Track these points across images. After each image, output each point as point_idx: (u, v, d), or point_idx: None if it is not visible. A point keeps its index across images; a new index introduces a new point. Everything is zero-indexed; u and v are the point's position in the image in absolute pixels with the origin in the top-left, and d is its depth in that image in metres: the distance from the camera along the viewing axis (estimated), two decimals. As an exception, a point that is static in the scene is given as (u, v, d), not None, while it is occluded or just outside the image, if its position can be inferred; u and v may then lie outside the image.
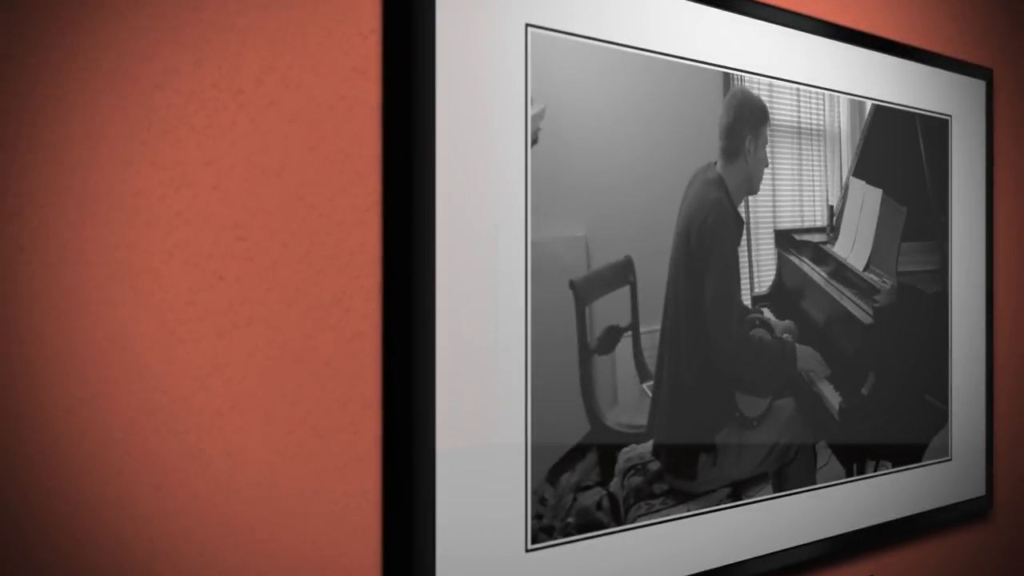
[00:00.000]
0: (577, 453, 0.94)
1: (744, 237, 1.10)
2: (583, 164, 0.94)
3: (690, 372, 1.04)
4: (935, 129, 1.36)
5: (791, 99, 1.15)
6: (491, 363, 0.86)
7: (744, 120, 1.09)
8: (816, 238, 1.19)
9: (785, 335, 1.14)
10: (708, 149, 1.06)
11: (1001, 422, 1.52)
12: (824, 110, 1.19)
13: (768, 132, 1.12)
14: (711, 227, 1.06)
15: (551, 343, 0.91)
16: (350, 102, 0.78)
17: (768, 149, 1.12)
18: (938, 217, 1.36)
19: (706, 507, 1.05)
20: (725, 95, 1.07)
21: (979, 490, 1.44)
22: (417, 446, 0.81)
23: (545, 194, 0.91)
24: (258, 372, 0.73)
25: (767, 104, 1.12)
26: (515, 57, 0.88)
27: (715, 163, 1.06)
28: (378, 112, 0.80)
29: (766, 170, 1.12)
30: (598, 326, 0.96)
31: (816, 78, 1.18)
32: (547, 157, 0.91)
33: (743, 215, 1.09)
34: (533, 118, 0.90)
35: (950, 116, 1.38)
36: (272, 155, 0.74)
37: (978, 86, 1.43)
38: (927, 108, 1.34)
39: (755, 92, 1.11)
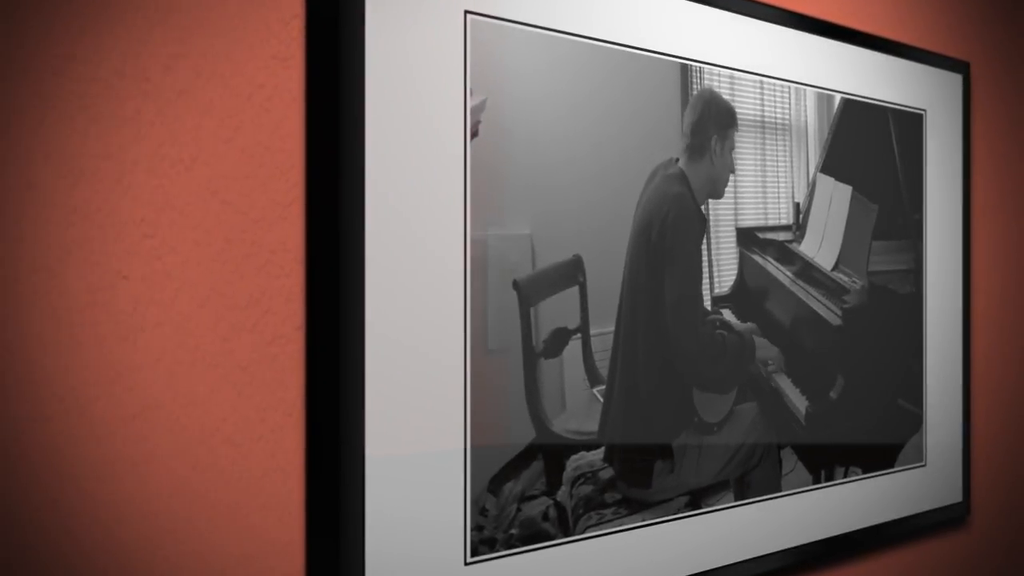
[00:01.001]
0: (521, 461, 0.89)
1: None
2: (528, 158, 0.90)
3: (647, 375, 1.00)
4: (909, 124, 1.31)
5: (754, 92, 1.10)
6: (426, 367, 0.82)
7: (710, 119, 1.05)
8: (781, 236, 1.14)
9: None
10: (666, 144, 1.01)
11: (978, 426, 1.47)
12: (789, 103, 1.15)
13: (736, 137, 1.08)
14: (673, 223, 1.02)
15: (492, 346, 0.87)
16: (269, 91, 0.74)
17: (734, 154, 1.08)
18: (912, 215, 1.32)
19: (662, 517, 1.01)
20: (683, 88, 1.03)
21: (956, 496, 1.39)
22: (345, 455, 0.76)
23: (486, 189, 0.87)
24: (166, 378, 0.69)
25: (730, 99, 1.08)
26: (453, 45, 0.84)
27: (676, 159, 1.02)
28: (301, 102, 0.76)
29: (731, 175, 1.08)
30: (544, 328, 0.91)
31: (781, 70, 1.14)
32: (488, 151, 0.87)
33: (705, 213, 1.05)
34: (473, 110, 0.86)
35: (924, 110, 1.34)
36: (182, 147, 0.70)
37: (954, 80, 1.39)
38: (900, 102, 1.30)
39: (717, 87, 1.06)
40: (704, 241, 1.05)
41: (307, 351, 0.76)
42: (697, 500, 1.04)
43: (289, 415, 0.75)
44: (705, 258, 1.05)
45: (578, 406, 0.94)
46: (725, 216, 1.07)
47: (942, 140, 1.37)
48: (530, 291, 0.90)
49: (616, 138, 0.97)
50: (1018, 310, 1.55)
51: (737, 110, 1.08)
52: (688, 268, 1.03)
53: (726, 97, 1.07)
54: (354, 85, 0.77)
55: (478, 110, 0.86)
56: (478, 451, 0.86)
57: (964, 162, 1.40)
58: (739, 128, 1.09)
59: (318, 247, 0.76)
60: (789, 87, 1.15)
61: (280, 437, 0.74)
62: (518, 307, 0.89)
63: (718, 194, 1.06)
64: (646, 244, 0.99)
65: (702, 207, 1.05)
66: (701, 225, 1.05)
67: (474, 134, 0.86)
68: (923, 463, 1.34)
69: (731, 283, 1.08)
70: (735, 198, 1.08)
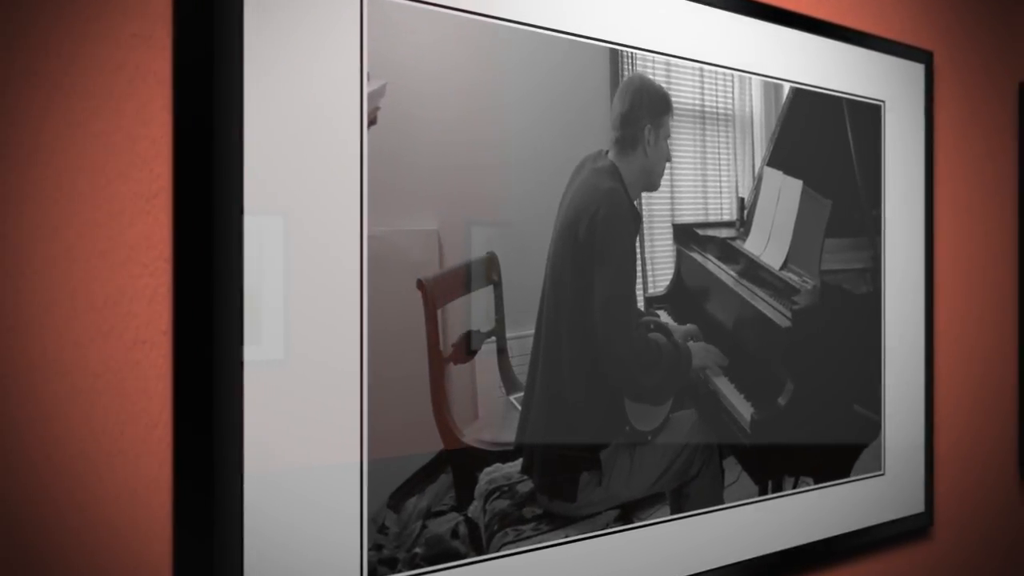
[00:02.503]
0: (427, 474, 0.83)
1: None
2: (435, 148, 0.83)
3: (572, 381, 0.93)
4: (866, 115, 1.25)
5: (693, 80, 1.04)
6: (317, 374, 0.76)
7: (643, 108, 0.99)
8: (724, 233, 1.08)
9: (688, 341, 1.04)
10: (594, 134, 0.95)
11: (942, 432, 1.41)
12: (733, 93, 1.08)
13: (671, 124, 1.01)
14: (604, 220, 0.95)
15: (395, 351, 0.81)
16: (130, 72, 0.68)
17: (670, 143, 1.01)
18: (869, 211, 1.25)
19: (589, 532, 0.94)
20: (613, 75, 0.97)
21: (918, 506, 1.33)
22: (219, 470, 0.70)
23: (387, 182, 0.80)
24: (6, 385, 0.62)
25: (666, 86, 1.01)
26: (347, 25, 0.78)
27: (606, 152, 0.96)
28: (168, 85, 0.69)
29: (667, 164, 1.01)
30: (454, 331, 0.85)
31: (723, 57, 1.07)
32: (389, 139, 0.80)
33: (639, 208, 0.99)
34: (371, 95, 0.79)
35: (883, 101, 1.27)
36: (25, 133, 0.63)
37: (916, 70, 1.32)
38: (856, 92, 1.23)
39: (651, 75, 1.00)
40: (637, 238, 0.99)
41: (175, 357, 0.69)
42: (628, 514, 0.98)
43: (154, 427, 0.69)
44: (638, 255, 0.99)
45: (493, 415, 0.88)
46: (660, 211, 1.01)
47: (902, 132, 1.30)
48: (437, 291, 0.84)
49: (536, 128, 0.91)
50: (984, 310, 1.48)
51: (674, 99, 1.02)
52: (621, 268, 0.97)
53: (661, 83, 1.01)
54: (231, 67, 0.71)
55: (377, 95, 0.80)
56: (377, 464, 0.79)
57: (927, 155, 1.33)
58: (676, 116, 1.02)
59: (188, 243, 0.69)
60: (732, 75, 1.08)
61: (144, 451, 0.68)
62: (423, 308, 0.83)
63: (654, 186, 1.00)
64: (573, 242, 0.93)
65: (636, 202, 0.98)
66: (635, 223, 0.98)
67: (372, 121, 0.79)
68: (881, 472, 1.27)
69: (667, 283, 1.02)
70: (671, 192, 1.02)
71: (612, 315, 0.96)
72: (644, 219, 0.99)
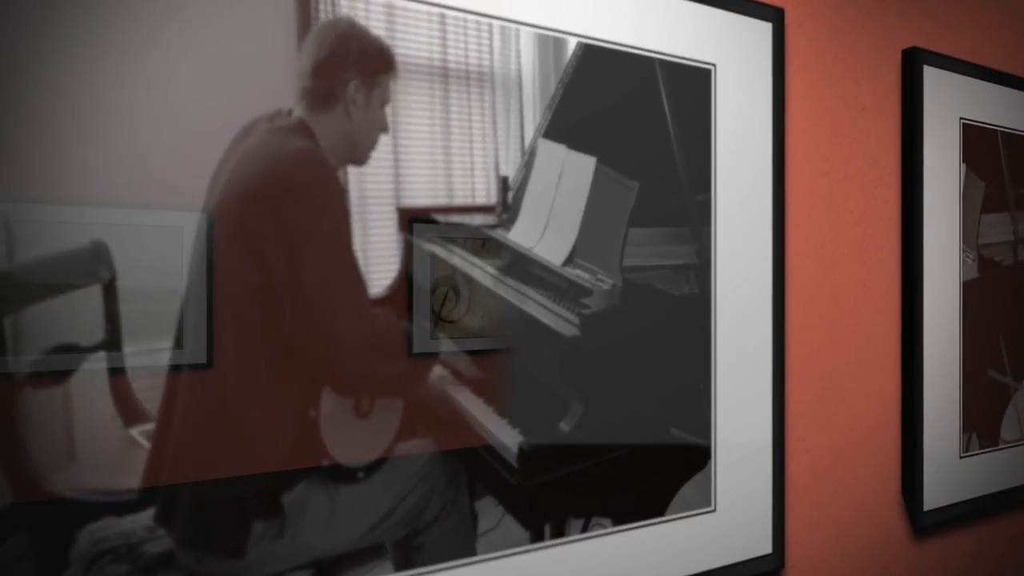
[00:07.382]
0: (-13, 536, 0.63)
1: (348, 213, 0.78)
2: None
3: (252, 403, 0.73)
4: (689, 81, 1.04)
5: (430, 29, 0.84)
6: None
7: (348, 58, 0.78)
8: (478, 220, 0.87)
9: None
10: (272, 94, 0.75)
11: (797, 459, 1.19)
12: (491, 46, 0.88)
13: (394, 87, 0.81)
14: (301, 188, 0.74)
15: (-65, 371, 0.60)
16: None
17: (389, 109, 0.81)
18: (693, 196, 1.05)
19: (262, 600, 0.74)
20: (304, 21, 0.76)
21: (764, 547, 1.12)
22: None
23: (-84, 145, 0.60)
24: None
25: (387, 36, 0.81)
26: None
27: (290, 110, 0.76)
28: None
29: (384, 137, 0.80)
30: (34, 344, 0.64)
31: (475, 1, 0.87)
32: (-82, 89, 0.60)
33: (343, 181, 0.78)
34: None
35: (714, 65, 1.07)
36: None
37: (760, 29, 1.12)
38: (674, 53, 1.03)
39: (364, 19, 0.80)
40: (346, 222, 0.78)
41: None
42: (328, 573, 0.78)
43: None
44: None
45: (102, 453, 0.67)
46: (378, 193, 0.80)
47: (742, 104, 1.09)
48: (3, 292, 0.63)
49: (176, 80, 0.70)
50: (857, 316, 1.27)
51: (401, 51, 0.82)
52: (335, 244, 0.77)
53: (380, 33, 0.80)
54: None
55: None
56: (-102, 524, 0.59)
57: (775, 133, 1.12)
58: (407, 74, 0.82)
59: None
60: (490, 24, 0.88)
61: None
62: (-19, 315, 0.62)
63: (359, 160, 0.79)
64: (244, 223, 0.73)
65: (339, 172, 0.78)
66: (342, 192, 0.78)
67: None
68: (711, 508, 1.06)
69: (390, 282, 0.81)
70: (396, 169, 0.81)
71: (335, 298, 0.76)
72: (353, 203, 0.79)
